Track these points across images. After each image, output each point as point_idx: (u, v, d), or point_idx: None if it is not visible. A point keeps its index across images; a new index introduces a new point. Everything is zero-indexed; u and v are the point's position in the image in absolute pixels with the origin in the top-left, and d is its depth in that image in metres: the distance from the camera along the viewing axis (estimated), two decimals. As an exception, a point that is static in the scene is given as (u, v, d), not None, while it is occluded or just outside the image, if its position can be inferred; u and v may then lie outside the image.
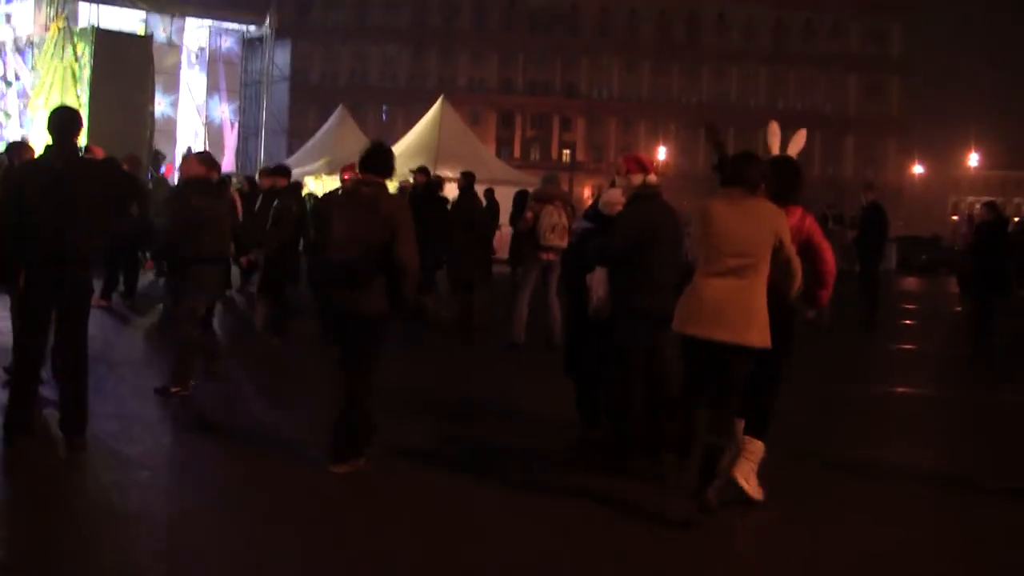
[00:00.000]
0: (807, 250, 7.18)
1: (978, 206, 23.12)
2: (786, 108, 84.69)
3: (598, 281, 8.55)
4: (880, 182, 71.04)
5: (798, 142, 7.83)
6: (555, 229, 13.91)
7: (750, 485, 7.16)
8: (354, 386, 7.61)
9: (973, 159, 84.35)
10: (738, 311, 6.64)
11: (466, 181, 17.26)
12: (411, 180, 17.94)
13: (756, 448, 7.23)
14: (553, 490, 7.58)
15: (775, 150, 7.76)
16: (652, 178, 8.34)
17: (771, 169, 7.13)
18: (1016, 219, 17.82)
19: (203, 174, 10.51)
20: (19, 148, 11.05)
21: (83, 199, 7.87)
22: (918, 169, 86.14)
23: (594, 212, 9.10)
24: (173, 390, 9.92)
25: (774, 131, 7.89)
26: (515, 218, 19.22)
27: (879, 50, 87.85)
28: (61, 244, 7.70)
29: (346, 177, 13.71)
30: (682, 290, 7.14)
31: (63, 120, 8.03)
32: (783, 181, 7.23)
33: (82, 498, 7.28)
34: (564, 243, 13.65)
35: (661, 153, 73.00)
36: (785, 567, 6.46)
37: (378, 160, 7.76)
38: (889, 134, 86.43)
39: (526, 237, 14.47)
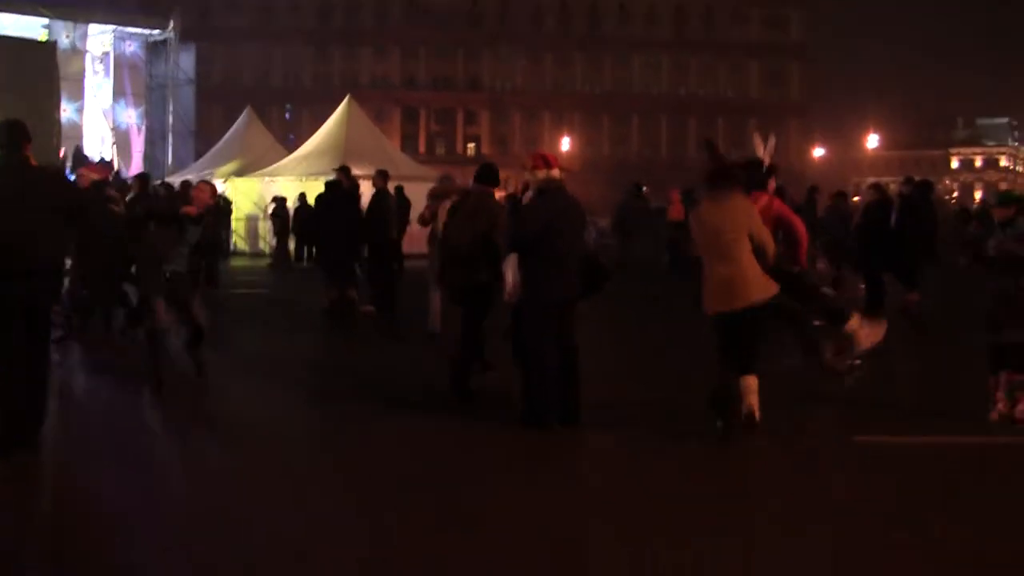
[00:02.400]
0: (780, 223, 9.82)
1: (863, 187, 24.04)
2: (688, 95, 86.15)
3: (510, 269, 9.50)
4: (783, 166, 72.51)
5: (770, 146, 10.69)
6: None
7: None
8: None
9: (873, 140, 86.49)
10: (739, 284, 8.75)
11: (383, 180, 17.99)
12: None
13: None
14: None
15: (759, 153, 10.56)
16: (555, 173, 9.29)
17: (747, 167, 9.84)
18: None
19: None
20: None
21: (40, 210, 7.99)
22: (819, 152, 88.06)
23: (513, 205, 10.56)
24: None
25: (758, 141, 10.92)
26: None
27: (779, 36, 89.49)
28: (20, 255, 7.82)
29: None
30: (585, 274, 9.26)
31: (14, 131, 8.15)
32: (753, 176, 9.76)
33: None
34: None
35: (565, 143, 73.80)
36: None
37: (489, 174, 10.78)
38: (790, 118, 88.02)
39: (429, 234, 15.10)
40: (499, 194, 11.33)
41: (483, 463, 8.54)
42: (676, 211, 25.91)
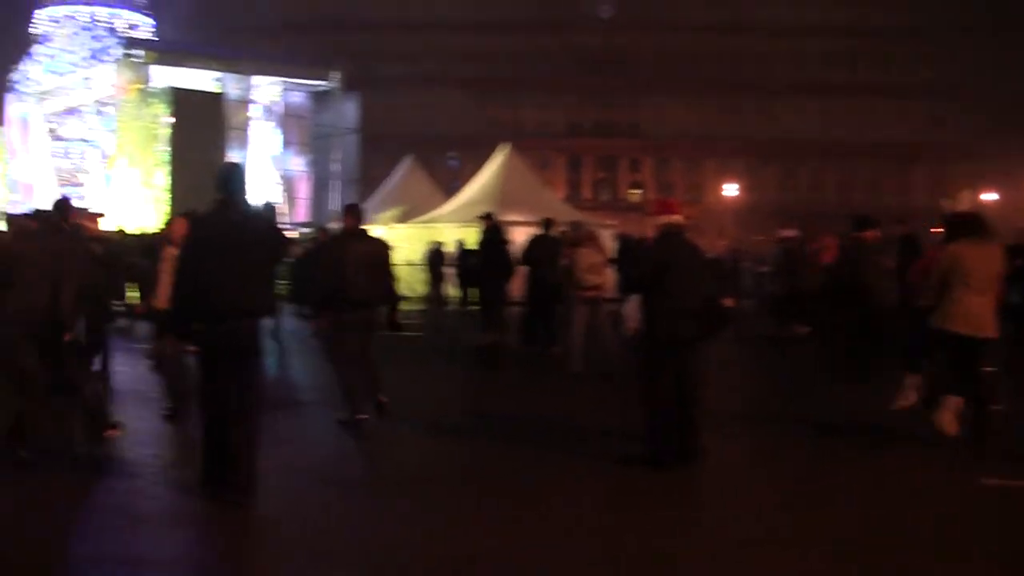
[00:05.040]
0: None
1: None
2: (853, 139, 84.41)
3: (631, 310, 9.72)
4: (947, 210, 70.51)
5: (972, 198, 10.87)
6: (592, 269, 14.93)
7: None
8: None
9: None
10: (989, 316, 9.82)
11: (546, 227, 18.29)
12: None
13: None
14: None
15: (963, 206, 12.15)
16: (676, 218, 9.41)
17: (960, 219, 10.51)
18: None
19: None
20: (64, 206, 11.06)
21: (257, 254, 8.00)
22: (990, 196, 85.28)
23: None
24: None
25: (964, 195, 12.84)
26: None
27: (946, 77, 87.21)
28: (241, 298, 7.85)
29: None
30: (705, 317, 9.26)
31: (234, 175, 8.12)
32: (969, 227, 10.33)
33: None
34: (602, 279, 14.75)
35: (729, 189, 73.15)
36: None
37: None
38: (958, 161, 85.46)
39: (566, 279, 15.45)
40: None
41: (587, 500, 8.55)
42: (830, 256, 25.42)
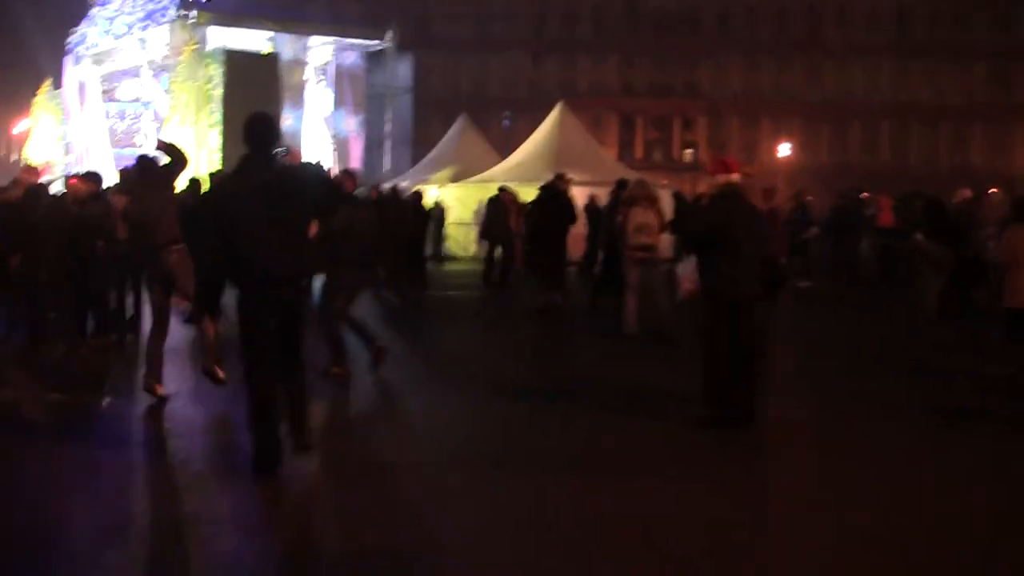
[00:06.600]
0: None
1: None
2: (909, 99, 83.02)
3: (687, 271, 9.67)
4: (1010, 172, 69.54)
5: None
6: (642, 229, 14.65)
7: None
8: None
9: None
10: None
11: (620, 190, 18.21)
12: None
13: None
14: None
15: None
16: (735, 177, 9.30)
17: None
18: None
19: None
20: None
21: (294, 209, 7.44)
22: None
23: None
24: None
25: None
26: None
27: (1005, 38, 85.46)
28: (276, 259, 7.27)
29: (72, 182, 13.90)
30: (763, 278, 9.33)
31: (257, 126, 7.53)
32: None
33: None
34: (654, 239, 14.53)
35: (783, 149, 72.34)
36: None
37: None
38: (1017, 122, 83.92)
39: (620, 239, 15.30)
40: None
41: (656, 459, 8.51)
42: (886, 218, 25.12)
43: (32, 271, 12.82)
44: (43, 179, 17.97)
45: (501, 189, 25.78)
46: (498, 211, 24.28)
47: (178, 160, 10.14)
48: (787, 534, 6.75)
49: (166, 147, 10.19)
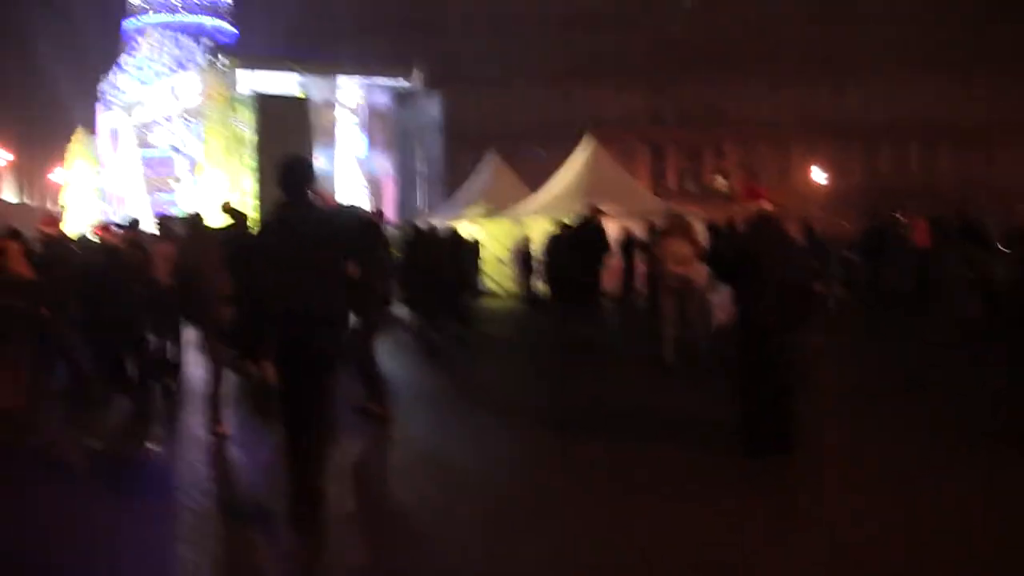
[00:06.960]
0: None
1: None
2: (938, 119, 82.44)
3: (722, 300, 9.75)
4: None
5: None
6: (678, 259, 14.65)
7: None
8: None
9: None
10: None
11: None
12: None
13: None
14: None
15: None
16: (765, 204, 9.31)
17: None
18: None
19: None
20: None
21: (326, 255, 7.24)
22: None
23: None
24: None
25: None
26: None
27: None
28: (309, 306, 7.07)
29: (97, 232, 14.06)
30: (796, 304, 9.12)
31: (290, 170, 7.34)
32: None
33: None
34: (691, 270, 14.51)
35: (818, 174, 72.16)
36: None
37: None
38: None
39: (656, 269, 15.43)
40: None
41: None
42: (921, 238, 24.98)
43: (59, 322, 12.85)
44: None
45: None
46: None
47: (240, 224, 10.48)
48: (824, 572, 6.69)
49: (232, 211, 10.55)
